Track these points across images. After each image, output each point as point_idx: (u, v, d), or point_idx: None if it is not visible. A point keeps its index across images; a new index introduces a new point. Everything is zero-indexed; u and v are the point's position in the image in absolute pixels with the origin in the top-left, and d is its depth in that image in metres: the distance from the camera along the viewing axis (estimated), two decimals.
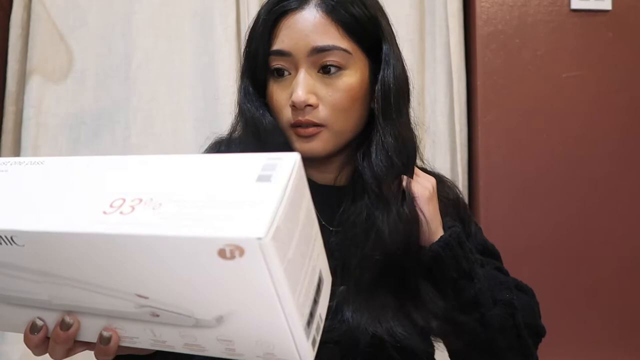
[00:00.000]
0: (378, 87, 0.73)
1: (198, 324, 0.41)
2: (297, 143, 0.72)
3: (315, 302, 0.42)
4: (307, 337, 0.40)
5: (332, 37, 0.70)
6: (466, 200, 1.46)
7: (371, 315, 0.69)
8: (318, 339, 0.43)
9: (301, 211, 0.40)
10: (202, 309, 0.40)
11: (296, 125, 0.71)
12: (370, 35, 0.73)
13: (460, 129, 1.48)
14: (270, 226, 0.34)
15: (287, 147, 0.73)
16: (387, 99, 0.72)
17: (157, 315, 0.42)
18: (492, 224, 1.42)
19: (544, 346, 0.75)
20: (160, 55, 1.46)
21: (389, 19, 0.77)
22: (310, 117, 0.70)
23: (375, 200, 0.71)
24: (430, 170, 0.84)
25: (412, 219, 0.71)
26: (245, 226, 0.34)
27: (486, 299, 0.70)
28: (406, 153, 0.73)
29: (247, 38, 0.76)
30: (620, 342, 1.42)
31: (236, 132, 0.78)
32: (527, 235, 1.43)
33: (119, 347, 0.48)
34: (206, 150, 0.81)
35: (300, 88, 0.69)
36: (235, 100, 0.78)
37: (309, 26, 0.70)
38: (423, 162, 0.82)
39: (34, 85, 1.41)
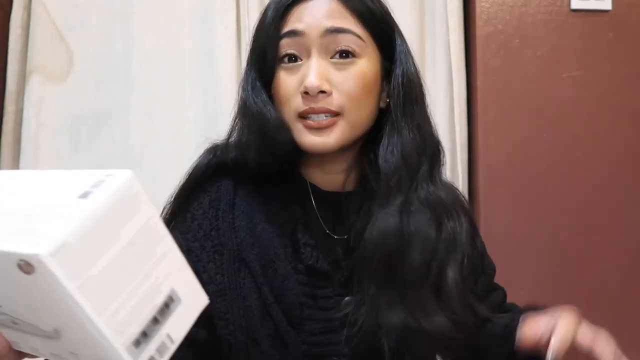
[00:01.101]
0: (395, 82, 0.71)
1: (46, 335, 0.42)
2: (306, 136, 0.68)
3: (156, 321, 0.42)
4: (135, 357, 0.40)
5: (346, 21, 0.68)
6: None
7: (382, 328, 0.67)
8: (162, 359, 0.42)
9: (125, 229, 0.40)
10: (39, 319, 0.41)
11: (306, 115, 0.68)
12: (383, 29, 0.72)
13: (460, 129, 1.48)
14: (56, 243, 0.35)
15: (293, 144, 0.70)
16: (405, 95, 0.70)
17: (17, 323, 0.43)
18: (492, 224, 1.42)
19: None
20: (160, 55, 1.46)
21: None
22: (324, 104, 0.67)
23: (388, 206, 0.69)
24: (444, 180, 0.81)
25: (425, 228, 0.68)
26: (35, 242, 0.35)
27: None
28: (429, 152, 0.72)
29: (254, 31, 0.74)
30: (620, 341, 1.42)
31: (234, 136, 0.75)
32: (527, 235, 1.43)
33: (21, 353, 0.47)
34: (201, 157, 0.77)
35: (313, 73, 0.66)
36: (236, 99, 0.75)
37: (323, 11, 0.68)
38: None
39: (34, 85, 1.41)
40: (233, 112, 0.77)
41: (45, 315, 0.40)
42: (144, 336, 0.41)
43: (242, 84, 0.74)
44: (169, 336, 0.43)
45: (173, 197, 0.76)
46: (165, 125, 1.45)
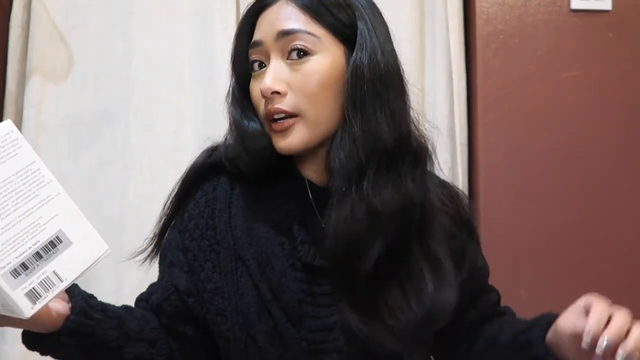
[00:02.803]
0: (347, 71, 0.69)
1: None
2: (275, 139, 0.71)
3: (39, 256, 0.47)
4: (12, 285, 0.45)
5: (297, 21, 0.70)
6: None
7: (371, 320, 0.68)
8: (47, 294, 0.47)
9: (2, 169, 0.47)
10: None
11: (269, 117, 0.70)
12: (341, 21, 0.71)
13: (460, 129, 1.48)
14: None
15: (269, 150, 0.72)
16: (357, 85, 0.68)
17: None
18: (492, 224, 1.42)
19: None
20: (160, 55, 1.45)
21: (379, 12, 0.75)
22: (279, 105, 0.69)
23: (338, 200, 0.68)
24: (442, 179, 0.82)
25: (374, 223, 0.68)
26: None
27: None
28: (370, 147, 0.68)
29: (233, 40, 0.77)
30: None
31: (227, 137, 0.78)
32: (527, 235, 1.43)
33: None
34: (199, 156, 0.80)
35: (268, 76, 0.69)
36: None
37: (276, 16, 0.71)
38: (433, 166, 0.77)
39: (34, 85, 1.41)
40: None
41: None
42: (24, 268, 0.46)
43: (227, 92, 0.78)
44: (55, 274, 0.48)
45: (172, 195, 0.78)
46: (165, 125, 1.45)
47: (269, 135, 0.72)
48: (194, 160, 0.79)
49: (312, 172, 0.76)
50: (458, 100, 1.48)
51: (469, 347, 0.81)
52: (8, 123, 0.48)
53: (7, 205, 0.46)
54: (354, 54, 0.69)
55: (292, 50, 0.69)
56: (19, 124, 1.43)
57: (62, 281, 0.48)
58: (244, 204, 0.75)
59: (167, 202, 0.78)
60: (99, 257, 0.53)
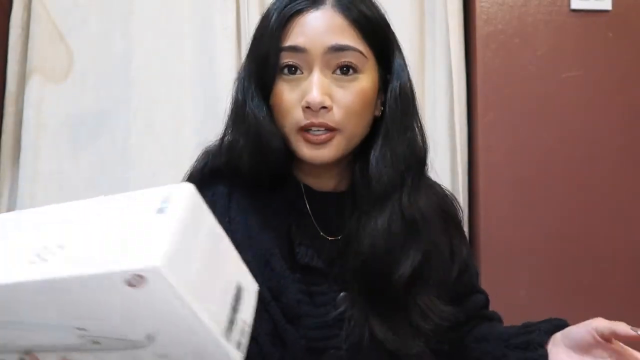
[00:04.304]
0: (391, 95, 0.72)
1: (135, 345, 0.46)
2: (306, 149, 0.70)
3: (235, 309, 0.48)
4: (229, 341, 0.45)
5: (349, 37, 0.69)
6: (466, 200, 1.46)
7: (372, 321, 0.69)
8: (245, 340, 0.48)
9: (200, 233, 0.45)
10: (132, 330, 0.45)
11: (307, 128, 0.69)
12: (382, 43, 0.73)
13: (460, 129, 1.48)
14: (165, 254, 0.39)
15: (285, 153, 0.71)
16: (399, 107, 0.72)
17: (98, 343, 0.46)
18: (492, 224, 1.42)
19: None
20: (160, 55, 1.45)
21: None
22: (324, 119, 0.68)
23: (377, 209, 0.71)
24: (433, 181, 0.83)
25: (404, 232, 0.71)
26: (144, 257, 0.40)
27: None
28: (416, 162, 0.73)
29: (253, 39, 0.74)
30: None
31: (227, 139, 0.75)
32: (526, 235, 1.43)
33: None
34: (196, 161, 0.79)
35: (316, 89, 0.67)
36: (230, 104, 0.76)
37: (326, 25, 0.68)
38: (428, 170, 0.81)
39: (34, 85, 1.41)
40: (226, 114, 0.77)
41: (139, 325, 0.44)
42: (231, 323, 0.46)
43: (239, 89, 0.74)
44: (244, 321, 0.49)
45: None
46: (165, 125, 1.45)
47: (283, 138, 0.71)
48: (191, 168, 0.79)
49: (310, 177, 0.77)
50: (458, 100, 1.48)
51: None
52: (190, 188, 0.46)
53: (211, 268, 0.46)
54: (396, 77, 0.73)
55: (341, 66, 0.69)
56: (19, 124, 1.43)
57: (247, 326, 0.50)
58: (242, 209, 0.75)
59: None
60: (256, 294, 0.53)
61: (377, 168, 0.71)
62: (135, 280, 0.39)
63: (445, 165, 1.46)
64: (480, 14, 1.46)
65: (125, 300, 0.41)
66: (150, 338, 0.45)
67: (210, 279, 0.45)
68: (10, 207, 1.42)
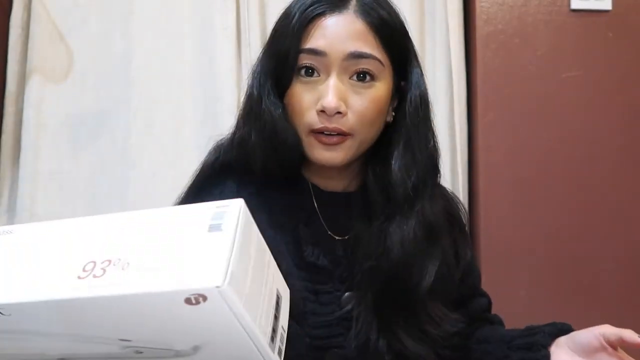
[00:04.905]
0: (410, 104, 0.74)
1: (178, 354, 0.46)
2: (317, 150, 0.70)
3: (276, 318, 0.49)
4: (273, 350, 0.46)
5: (370, 45, 0.69)
6: (466, 200, 1.46)
7: (379, 323, 0.70)
8: (283, 347, 0.49)
9: (251, 248, 0.46)
10: (179, 342, 0.45)
11: (320, 131, 0.69)
12: (401, 51, 0.73)
13: (460, 129, 1.48)
14: (226, 273, 0.40)
15: (299, 153, 0.72)
16: (419, 116, 0.74)
17: (141, 352, 0.47)
18: (492, 224, 1.42)
19: None
20: (160, 55, 1.46)
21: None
22: (338, 124, 0.68)
23: (402, 215, 0.72)
24: (444, 188, 0.84)
25: (425, 239, 0.72)
26: (205, 276, 0.40)
27: None
28: (431, 168, 0.75)
29: (272, 35, 0.74)
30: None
31: (238, 135, 0.75)
32: (527, 234, 1.43)
33: None
34: (208, 155, 0.79)
35: (333, 93, 0.67)
36: (244, 100, 0.75)
37: (347, 30, 0.68)
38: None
39: (34, 85, 1.41)
40: (239, 109, 0.77)
41: (188, 337, 0.44)
42: (274, 332, 0.48)
43: (254, 84, 0.74)
44: (282, 328, 0.50)
45: (181, 198, 0.77)
46: (165, 125, 1.45)
47: (298, 138, 0.72)
48: (203, 162, 0.79)
49: (319, 176, 0.77)
50: (458, 100, 1.48)
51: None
52: (241, 203, 0.48)
53: (260, 280, 0.47)
54: (414, 84, 0.74)
55: (358, 72, 0.69)
56: (19, 124, 1.43)
57: (284, 331, 0.51)
58: (251, 206, 0.75)
59: (175, 204, 0.77)
60: (288, 299, 0.54)
61: (400, 175, 0.72)
62: (195, 299, 0.40)
63: (445, 165, 1.46)
64: (480, 14, 1.46)
65: (181, 316, 0.42)
66: (196, 349, 0.45)
67: (258, 291, 0.46)
68: (10, 207, 1.42)
